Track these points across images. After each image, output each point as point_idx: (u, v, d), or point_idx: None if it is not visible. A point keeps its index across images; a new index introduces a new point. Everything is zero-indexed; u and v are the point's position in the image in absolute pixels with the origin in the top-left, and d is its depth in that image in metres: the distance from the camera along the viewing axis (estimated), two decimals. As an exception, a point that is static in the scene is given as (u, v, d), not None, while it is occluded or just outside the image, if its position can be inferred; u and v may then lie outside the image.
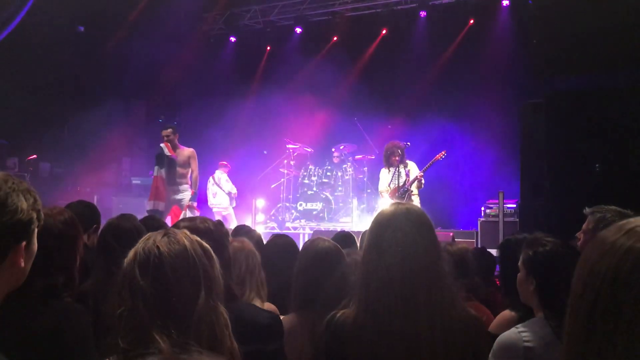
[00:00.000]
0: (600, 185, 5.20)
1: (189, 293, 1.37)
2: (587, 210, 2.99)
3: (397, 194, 8.01)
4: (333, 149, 10.52)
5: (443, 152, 8.03)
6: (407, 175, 8.08)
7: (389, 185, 8.12)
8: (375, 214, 1.98)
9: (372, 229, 1.92)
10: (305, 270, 2.57)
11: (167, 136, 7.83)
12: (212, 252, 1.47)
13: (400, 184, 8.00)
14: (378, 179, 8.60)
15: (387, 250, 1.81)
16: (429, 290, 1.78)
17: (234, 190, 10.45)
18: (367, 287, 1.82)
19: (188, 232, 1.48)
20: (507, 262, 2.53)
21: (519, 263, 2.19)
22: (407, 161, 8.26)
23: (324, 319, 1.95)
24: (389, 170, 8.23)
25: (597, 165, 5.47)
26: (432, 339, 1.73)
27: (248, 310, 2.09)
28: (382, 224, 1.90)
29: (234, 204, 10.53)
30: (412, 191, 8.09)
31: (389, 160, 8.15)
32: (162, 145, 7.83)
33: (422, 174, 8.02)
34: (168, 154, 7.75)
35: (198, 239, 1.47)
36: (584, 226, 2.96)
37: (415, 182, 8.04)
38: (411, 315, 1.74)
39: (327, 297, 2.41)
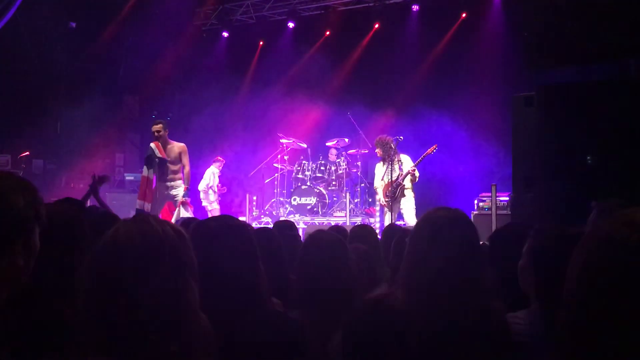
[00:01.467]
0: (592, 177, 5.22)
1: (152, 271, 1.28)
2: (593, 203, 3.02)
3: (390, 189, 8.05)
4: (330, 144, 10.50)
5: (434, 147, 8.09)
6: (401, 169, 8.14)
7: (382, 180, 8.18)
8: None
9: (425, 226, 1.89)
10: (309, 264, 2.48)
11: (158, 132, 7.78)
12: (184, 233, 1.38)
13: (394, 178, 8.04)
14: (372, 173, 8.66)
15: (437, 248, 1.80)
16: (473, 293, 1.79)
17: (210, 184, 10.42)
18: (415, 276, 1.82)
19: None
20: (497, 252, 2.54)
21: (524, 250, 2.15)
22: (401, 155, 8.32)
23: (329, 314, 1.92)
24: (384, 164, 8.29)
25: (588, 157, 5.49)
26: (470, 332, 1.75)
27: (274, 320, 2.01)
28: (439, 223, 1.86)
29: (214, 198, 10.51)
30: (404, 185, 8.14)
31: (377, 153, 8.28)
32: (152, 145, 7.73)
33: (414, 168, 8.08)
34: (159, 155, 7.69)
35: (169, 222, 1.39)
36: (589, 218, 2.99)
37: (408, 176, 8.09)
38: (455, 308, 1.75)
39: (331, 291, 2.36)
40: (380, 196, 8.28)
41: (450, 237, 1.81)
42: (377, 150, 8.35)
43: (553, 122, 5.58)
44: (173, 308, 1.28)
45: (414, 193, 8.25)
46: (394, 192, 8.06)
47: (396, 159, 8.15)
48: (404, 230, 3.70)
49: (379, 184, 8.29)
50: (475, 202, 8.81)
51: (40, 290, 1.87)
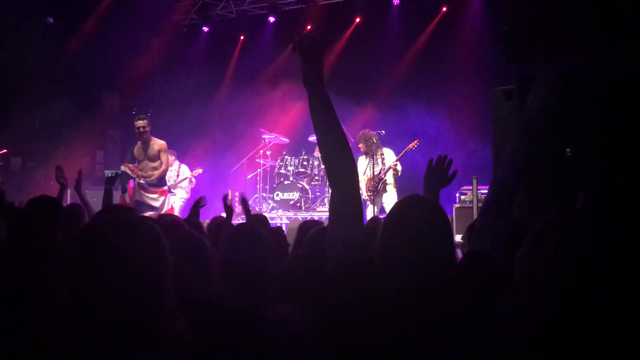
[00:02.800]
0: (572, 170, 5.26)
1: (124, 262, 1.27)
2: (580, 194, 3.05)
3: (372, 183, 8.08)
4: (313, 139, 10.46)
5: (415, 142, 8.14)
6: (383, 163, 8.18)
7: (364, 174, 8.20)
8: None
9: (404, 205, 1.95)
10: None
11: (143, 127, 7.76)
12: (159, 232, 1.37)
13: (376, 172, 8.07)
14: (354, 168, 8.66)
15: (407, 215, 1.88)
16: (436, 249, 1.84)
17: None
18: (389, 238, 1.87)
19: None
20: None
21: (525, 240, 2.15)
22: (384, 148, 8.35)
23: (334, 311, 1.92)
24: (366, 159, 8.32)
25: (567, 150, 5.53)
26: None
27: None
28: (408, 208, 1.93)
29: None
30: (386, 180, 8.17)
31: (360, 148, 8.31)
32: (127, 171, 7.75)
33: (396, 163, 8.12)
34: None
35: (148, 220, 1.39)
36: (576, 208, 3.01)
37: (390, 171, 8.12)
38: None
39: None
40: (362, 190, 8.30)
41: (419, 209, 1.89)
42: (360, 145, 8.36)
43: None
44: (147, 306, 1.27)
45: (397, 188, 8.28)
46: (376, 186, 8.08)
47: (379, 153, 8.18)
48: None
49: (361, 178, 8.30)
50: (457, 195, 8.87)
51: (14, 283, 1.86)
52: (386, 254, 1.85)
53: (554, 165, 5.24)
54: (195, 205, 4.44)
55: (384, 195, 8.21)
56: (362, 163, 8.36)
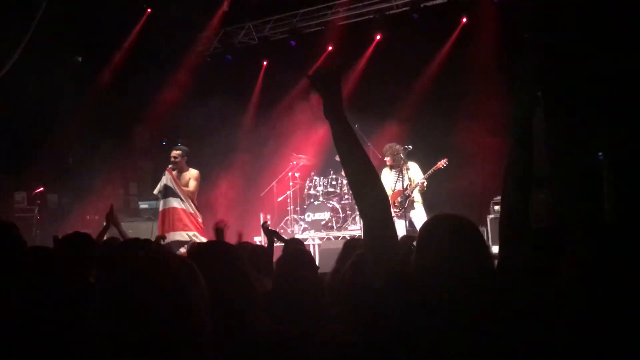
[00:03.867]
0: (604, 174, 5.16)
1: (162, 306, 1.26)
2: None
3: (398, 198, 8.02)
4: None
5: (444, 160, 8.05)
6: (410, 179, 8.12)
7: (392, 189, 8.14)
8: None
9: (433, 225, 1.98)
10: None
11: (175, 157, 7.86)
12: (195, 268, 1.37)
13: (404, 187, 8.02)
14: (383, 184, 8.62)
15: (438, 231, 1.91)
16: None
17: None
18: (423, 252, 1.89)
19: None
20: None
21: (573, 251, 2.12)
22: (409, 162, 8.30)
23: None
24: (391, 171, 8.29)
25: (600, 153, 5.44)
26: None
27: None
28: (439, 226, 1.95)
29: None
30: (413, 198, 8.11)
31: (387, 161, 8.28)
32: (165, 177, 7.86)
33: (423, 180, 8.06)
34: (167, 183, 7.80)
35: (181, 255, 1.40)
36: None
37: (417, 187, 8.06)
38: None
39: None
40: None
41: (449, 223, 1.92)
42: (386, 159, 8.31)
43: (560, 120, 5.55)
44: (185, 343, 1.27)
45: (424, 205, 8.22)
46: (403, 203, 8.02)
47: (404, 167, 8.14)
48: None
49: (388, 192, 8.27)
50: (491, 205, 8.74)
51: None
52: (423, 274, 1.86)
53: (583, 170, 5.16)
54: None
55: (412, 212, 8.15)
56: (387, 177, 8.30)
